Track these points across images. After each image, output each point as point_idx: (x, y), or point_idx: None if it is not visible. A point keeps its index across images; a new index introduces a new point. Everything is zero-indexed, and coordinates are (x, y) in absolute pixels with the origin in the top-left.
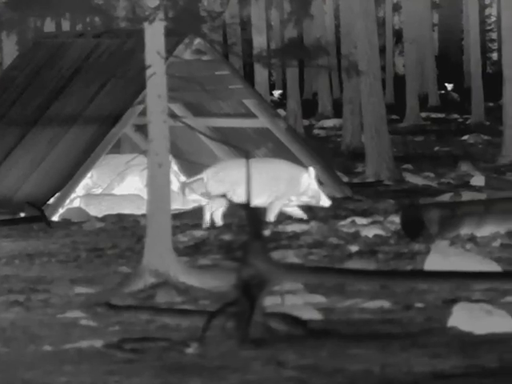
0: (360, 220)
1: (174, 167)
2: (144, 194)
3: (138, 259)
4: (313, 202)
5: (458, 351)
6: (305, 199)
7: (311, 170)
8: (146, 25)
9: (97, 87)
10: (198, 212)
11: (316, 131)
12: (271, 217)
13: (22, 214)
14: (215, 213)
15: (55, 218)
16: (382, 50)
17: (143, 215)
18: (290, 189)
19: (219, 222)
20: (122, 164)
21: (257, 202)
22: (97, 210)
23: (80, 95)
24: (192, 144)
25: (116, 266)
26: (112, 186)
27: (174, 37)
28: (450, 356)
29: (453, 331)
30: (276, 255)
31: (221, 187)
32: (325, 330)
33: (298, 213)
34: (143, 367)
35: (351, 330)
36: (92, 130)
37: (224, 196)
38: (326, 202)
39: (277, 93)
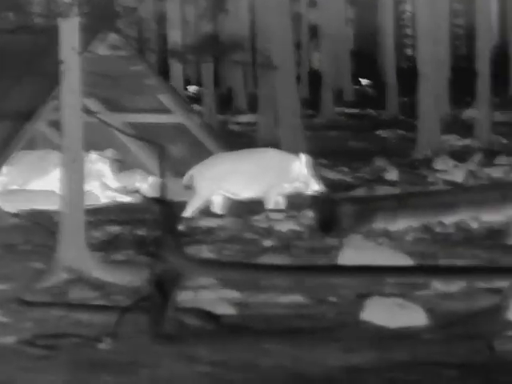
0: (274, 215)
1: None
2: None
3: (51, 255)
4: (303, 189)
5: (370, 345)
6: (297, 185)
7: (303, 156)
8: (60, 20)
9: (11, 83)
10: (112, 208)
11: (231, 126)
12: (270, 205)
13: None
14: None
15: None
16: (298, 46)
17: (57, 211)
18: (281, 177)
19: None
20: (36, 160)
21: (249, 193)
22: (10, 206)
23: None
24: (107, 139)
25: (29, 262)
26: (28, 182)
27: (88, 32)
28: (362, 350)
29: (366, 325)
30: (190, 250)
31: (208, 184)
32: (238, 325)
33: (280, 203)
34: (56, 363)
35: (265, 325)
36: (5, 126)
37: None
38: (317, 187)
39: (192, 88)
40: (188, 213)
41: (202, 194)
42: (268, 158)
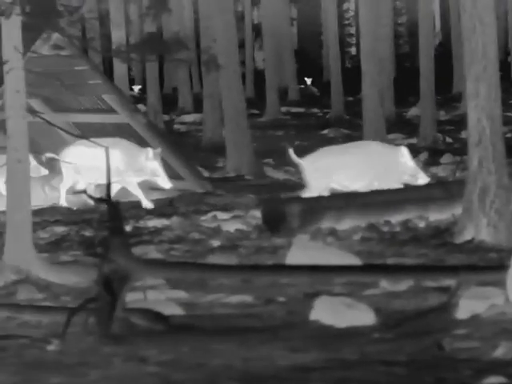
0: (221, 215)
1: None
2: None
3: None
4: (412, 180)
5: (319, 344)
6: (405, 178)
7: (404, 149)
8: (2, 20)
9: None
10: (58, 208)
11: (176, 126)
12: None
13: None
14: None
15: None
16: (242, 45)
17: (3, 212)
18: (388, 169)
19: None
20: None
21: (359, 185)
22: None
23: None
24: (52, 140)
25: None
26: None
27: (31, 32)
28: (311, 349)
29: (314, 325)
30: (137, 251)
31: (318, 175)
32: (186, 325)
33: None
34: (3, 364)
35: (213, 325)
36: None
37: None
38: (426, 179)
39: (137, 88)
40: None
41: (314, 185)
42: (373, 150)
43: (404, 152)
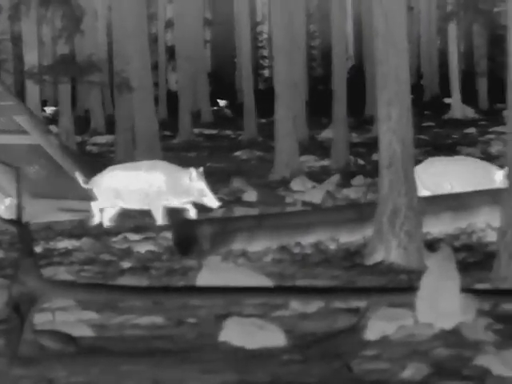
0: (132, 236)
1: None
2: None
3: None
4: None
5: (229, 366)
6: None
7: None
8: None
9: None
10: None
11: (89, 147)
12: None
13: None
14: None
15: None
16: (155, 67)
17: None
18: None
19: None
20: None
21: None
22: None
23: None
24: None
25: None
26: None
27: None
28: (221, 371)
29: (225, 346)
30: (47, 272)
31: (432, 180)
32: (96, 347)
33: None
34: None
35: (123, 347)
36: None
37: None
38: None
39: (49, 109)
40: None
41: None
42: (475, 167)
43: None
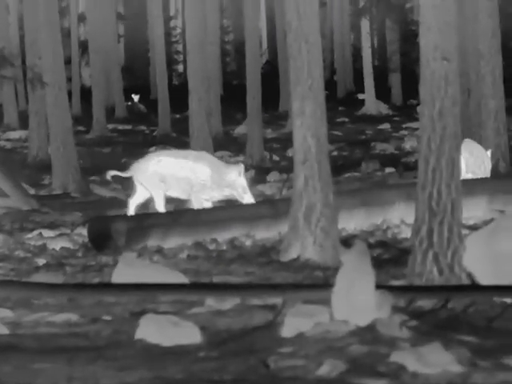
0: (47, 232)
1: None
2: None
3: None
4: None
5: (144, 363)
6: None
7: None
8: None
9: None
10: None
11: (2, 143)
12: None
13: None
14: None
15: None
16: (68, 61)
17: None
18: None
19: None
20: None
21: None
22: None
23: None
24: None
25: None
26: None
27: None
28: (137, 368)
29: (140, 343)
30: None
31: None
32: (10, 345)
33: None
34: None
35: (38, 344)
36: None
37: None
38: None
39: None
40: None
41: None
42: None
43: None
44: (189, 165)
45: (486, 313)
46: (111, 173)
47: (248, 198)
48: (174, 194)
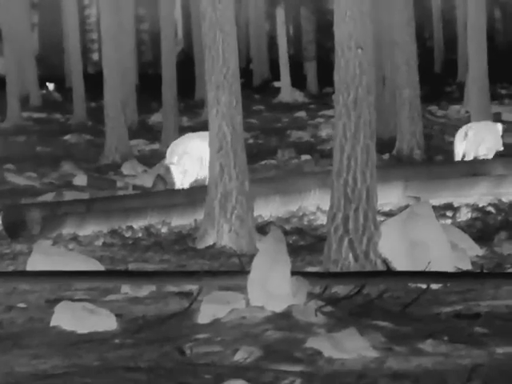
0: None
1: None
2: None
3: None
4: None
5: (59, 351)
6: None
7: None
8: None
9: None
10: None
11: None
12: None
13: None
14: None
15: None
16: None
17: None
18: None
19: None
20: None
21: None
22: None
23: None
24: None
25: None
26: None
27: None
28: (51, 356)
29: (55, 331)
30: None
31: None
32: None
33: None
34: None
35: None
36: None
37: None
38: None
39: None
40: None
41: None
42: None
43: None
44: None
45: (401, 299)
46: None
47: None
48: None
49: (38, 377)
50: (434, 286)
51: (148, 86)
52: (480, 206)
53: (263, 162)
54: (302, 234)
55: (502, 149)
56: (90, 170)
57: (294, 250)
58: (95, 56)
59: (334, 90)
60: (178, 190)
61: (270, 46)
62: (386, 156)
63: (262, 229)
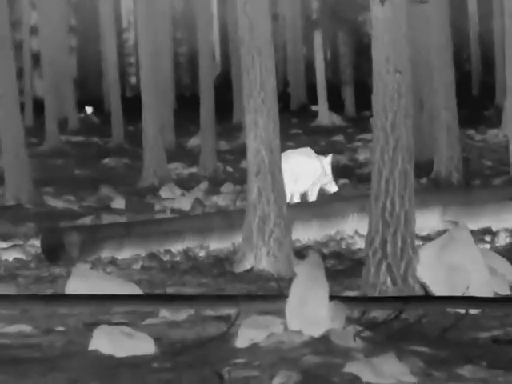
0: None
1: None
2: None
3: None
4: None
5: (98, 374)
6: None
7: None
8: None
9: None
10: None
11: None
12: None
13: None
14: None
15: None
16: (20, 74)
17: None
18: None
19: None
20: None
21: None
22: None
23: None
24: None
25: None
26: None
27: None
28: (89, 380)
29: (94, 355)
30: None
31: None
32: None
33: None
34: None
35: None
36: None
37: None
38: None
39: None
40: None
41: None
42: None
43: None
44: (312, 162)
45: (439, 323)
46: None
47: (331, 187)
48: (302, 191)
49: None
50: (473, 311)
51: (186, 109)
52: None
53: None
54: (340, 258)
55: None
56: (129, 194)
57: (331, 275)
58: (133, 79)
59: (372, 114)
60: (216, 214)
61: (307, 70)
62: (424, 180)
63: (300, 253)
